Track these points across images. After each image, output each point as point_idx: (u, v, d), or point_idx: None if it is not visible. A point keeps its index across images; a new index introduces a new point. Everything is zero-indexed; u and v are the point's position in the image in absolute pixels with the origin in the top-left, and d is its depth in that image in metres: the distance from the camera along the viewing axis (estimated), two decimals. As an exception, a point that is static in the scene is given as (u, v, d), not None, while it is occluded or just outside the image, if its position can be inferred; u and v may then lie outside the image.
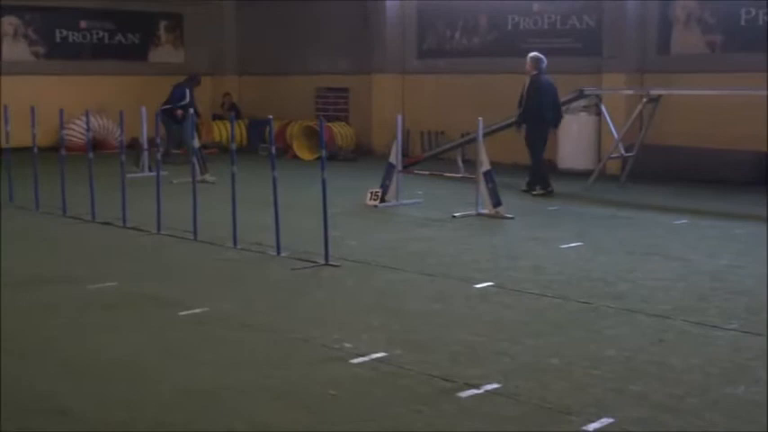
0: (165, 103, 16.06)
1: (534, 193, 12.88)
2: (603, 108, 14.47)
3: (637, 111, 13.59)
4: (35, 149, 11.28)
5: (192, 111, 10.72)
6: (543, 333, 6.15)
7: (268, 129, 9.24)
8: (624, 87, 14.97)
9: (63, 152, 11.14)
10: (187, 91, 16.25)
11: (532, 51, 13.23)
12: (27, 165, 11.40)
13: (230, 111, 19.42)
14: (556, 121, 13.14)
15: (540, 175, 13.03)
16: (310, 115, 19.30)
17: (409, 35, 18.69)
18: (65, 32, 19.86)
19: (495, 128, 14.15)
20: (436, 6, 18.26)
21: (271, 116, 10.09)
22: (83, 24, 20.06)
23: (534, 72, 12.83)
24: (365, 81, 18.98)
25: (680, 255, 8.77)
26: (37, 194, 11.30)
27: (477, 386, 5.06)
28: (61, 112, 11.32)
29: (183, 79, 16.73)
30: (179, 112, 15.87)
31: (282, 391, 5.05)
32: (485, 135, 11.54)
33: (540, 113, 12.79)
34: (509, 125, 14.33)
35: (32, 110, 11.22)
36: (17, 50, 19.32)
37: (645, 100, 13.50)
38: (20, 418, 4.68)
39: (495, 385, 5.08)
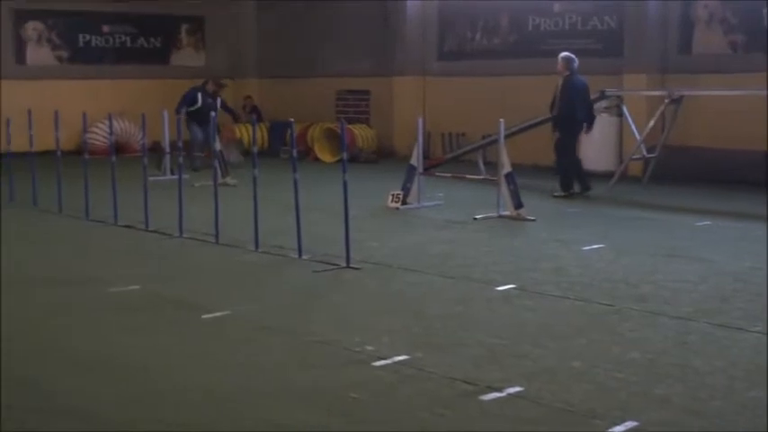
0: (180, 105, 16.03)
1: (568, 192, 12.75)
2: (625, 109, 14.41)
3: (659, 112, 13.52)
4: (59, 153, 11.36)
5: (213, 114, 10.75)
6: (565, 336, 6.13)
7: (289, 131, 9.25)
8: (646, 88, 14.90)
9: (86, 156, 11.22)
10: (199, 95, 16.20)
11: (561, 52, 13.04)
12: (51, 168, 11.48)
13: (251, 114, 19.48)
14: (589, 121, 13.07)
15: (579, 175, 12.92)
16: (331, 118, 19.32)
17: (430, 37, 18.69)
18: (88, 37, 19.99)
19: (517, 129, 14.12)
20: (457, 7, 18.25)
21: (292, 119, 10.12)
22: (105, 29, 20.19)
23: (567, 73, 12.74)
24: (386, 83, 18.99)
25: (703, 256, 8.71)
26: (60, 197, 11.37)
27: (499, 389, 5.05)
28: (84, 115, 11.40)
29: (200, 83, 16.76)
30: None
31: (304, 394, 5.06)
32: (506, 137, 11.51)
33: (573, 115, 12.70)
34: (530, 126, 14.32)
35: (56, 114, 11.30)
36: (41, 55, 19.47)
37: (667, 101, 13.43)
38: (39, 419, 4.72)
39: (517, 388, 5.06)
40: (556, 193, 12.86)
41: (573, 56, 12.86)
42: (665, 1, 15.23)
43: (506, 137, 11.60)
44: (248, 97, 20.91)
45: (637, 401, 4.89)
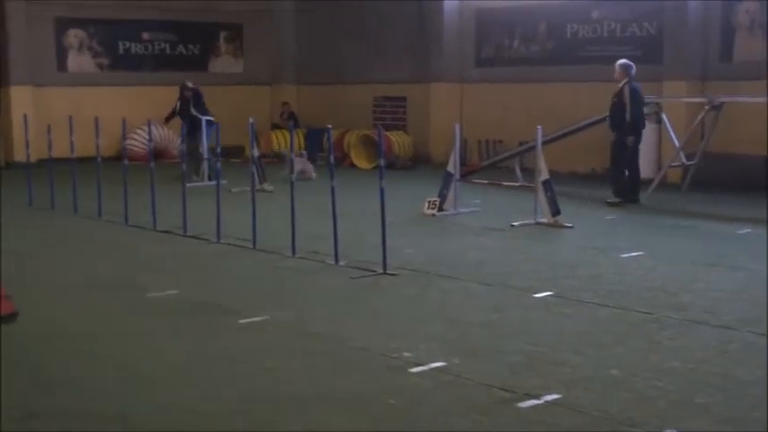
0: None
1: (610, 201, 12.58)
2: (664, 116, 14.29)
3: (698, 118, 13.39)
4: (99, 159, 11.47)
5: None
6: (604, 343, 6.08)
7: (326, 137, 9.27)
8: (685, 95, 14.76)
9: (125, 162, 11.33)
10: (177, 103, 15.96)
11: (619, 59, 12.80)
12: (91, 174, 11.60)
13: (289, 120, 19.56)
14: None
15: (636, 184, 12.76)
16: (368, 124, 19.35)
17: (467, 44, 18.66)
18: (128, 44, 20.19)
19: (554, 136, 14.04)
20: (494, 14, 18.21)
21: (329, 125, 10.15)
22: (145, 36, 20.38)
23: (625, 79, 12.55)
24: (423, 90, 18.99)
25: (743, 265, 8.60)
26: (100, 203, 11.49)
27: (537, 396, 5.02)
28: (124, 122, 11.51)
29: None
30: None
31: (342, 400, 5.06)
32: (543, 144, 11.45)
33: (635, 122, 12.52)
34: (568, 133, 14.25)
35: (96, 120, 11.42)
36: (82, 62, 19.69)
37: (707, 108, 13.29)
38: (73, 421, 4.76)
39: (555, 396, 5.03)
40: (609, 200, 12.65)
41: (631, 63, 12.67)
42: (706, 1, 15.04)
43: (544, 144, 11.54)
44: (285, 103, 21.01)
45: (676, 411, 4.84)
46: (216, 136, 10.72)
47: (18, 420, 4.79)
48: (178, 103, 15.98)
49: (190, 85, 16.08)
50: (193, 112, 15.64)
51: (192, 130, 15.15)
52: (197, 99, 15.86)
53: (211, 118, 15.31)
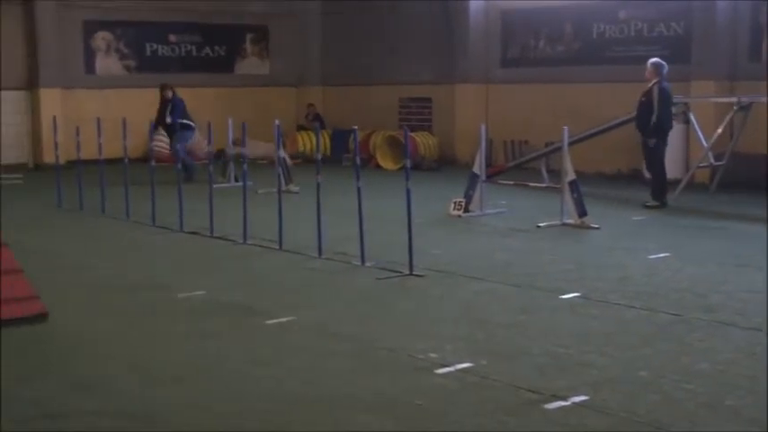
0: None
1: (648, 204, 12.46)
2: (692, 116, 14.19)
3: (727, 119, 13.29)
4: (126, 161, 11.55)
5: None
6: (631, 345, 6.05)
7: (352, 139, 9.28)
8: (714, 95, 14.65)
9: (152, 163, 11.39)
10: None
11: (652, 58, 12.65)
12: (118, 175, 11.68)
13: (314, 121, 19.60)
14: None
15: (658, 187, 12.57)
16: (393, 125, 19.36)
17: (493, 44, 18.62)
18: (154, 46, 20.31)
19: (581, 137, 13.98)
20: (520, 15, 18.16)
21: (355, 126, 10.16)
22: (172, 38, 20.49)
23: (656, 79, 12.39)
24: (448, 91, 18.97)
25: (773, 266, 8.53)
26: (128, 204, 11.56)
27: (564, 398, 5.01)
28: (151, 124, 11.58)
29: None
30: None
31: (369, 401, 5.07)
32: (570, 144, 11.40)
33: (664, 123, 12.40)
34: (594, 134, 14.19)
35: (124, 122, 11.50)
36: (109, 64, 19.83)
37: (735, 108, 13.19)
38: (103, 421, 4.79)
39: (582, 397, 5.01)
40: (648, 203, 12.49)
41: (663, 62, 12.51)
42: (735, 1, 14.93)
43: (570, 144, 11.49)
44: (311, 105, 21.06)
45: (705, 413, 4.81)
46: (242, 138, 10.74)
47: (48, 419, 4.83)
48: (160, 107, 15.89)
49: (170, 89, 15.85)
50: (168, 119, 15.57)
51: (169, 135, 15.26)
52: (175, 105, 15.70)
53: (189, 122, 15.35)
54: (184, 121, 15.66)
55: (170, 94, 15.79)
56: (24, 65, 18.47)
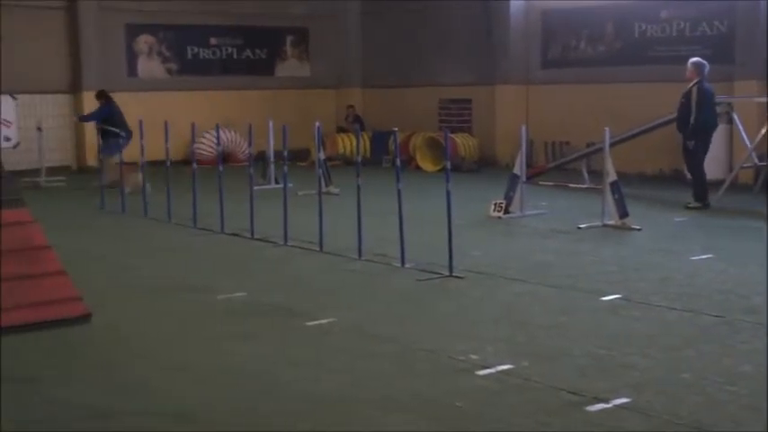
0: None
1: (690, 206, 12.31)
2: (735, 116, 14.02)
3: (771, 119, 13.12)
4: (168, 163, 11.66)
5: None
6: (674, 347, 6.00)
7: (392, 140, 9.29)
8: (757, 95, 14.47)
9: (194, 165, 11.49)
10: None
11: (693, 58, 12.52)
12: (160, 177, 11.79)
13: (354, 123, 19.64)
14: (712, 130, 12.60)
15: (698, 189, 12.39)
16: (433, 127, 19.33)
17: (533, 45, 18.54)
18: (196, 49, 20.47)
19: (622, 138, 13.87)
20: (561, 15, 18.06)
21: (396, 128, 10.16)
22: (213, 41, 20.65)
23: (697, 79, 12.24)
24: (488, 92, 18.92)
25: (819, 268, 8.41)
26: (170, 206, 11.67)
27: (605, 400, 4.98)
28: (193, 126, 11.68)
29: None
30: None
31: (409, 402, 5.07)
32: (611, 145, 11.32)
33: (706, 124, 12.26)
34: (636, 135, 14.08)
35: (166, 124, 11.60)
36: (151, 67, 20.02)
37: (779, 108, 13.02)
38: (149, 422, 4.84)
39: (624, 399, 4.98)
40: (690, 204, 12.34)
41: (704, 61, 12.36)
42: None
43: (611, 145, 11.40)
44: (351, 107, 21.10)
45: (748, 415, 4.76)
46: (283, 140, 10.75)
47: (91, 419, 4.90)
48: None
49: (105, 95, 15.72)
50: (101, 125, 15.28)
51: (102, 141, 14.94)
52: (109, 111, 15.50)
53: (118, 131, 14.91)
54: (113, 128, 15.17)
55: (103, 101, 15.65)
56: (67, 68, 18.71)
